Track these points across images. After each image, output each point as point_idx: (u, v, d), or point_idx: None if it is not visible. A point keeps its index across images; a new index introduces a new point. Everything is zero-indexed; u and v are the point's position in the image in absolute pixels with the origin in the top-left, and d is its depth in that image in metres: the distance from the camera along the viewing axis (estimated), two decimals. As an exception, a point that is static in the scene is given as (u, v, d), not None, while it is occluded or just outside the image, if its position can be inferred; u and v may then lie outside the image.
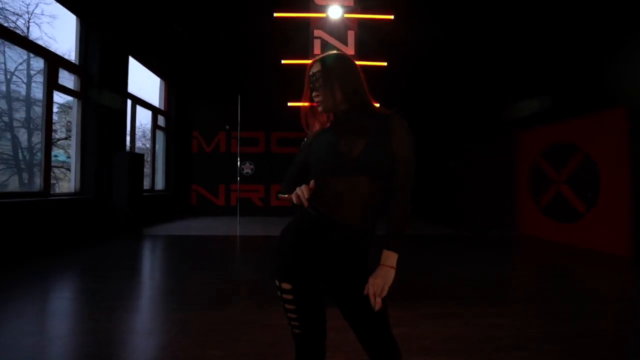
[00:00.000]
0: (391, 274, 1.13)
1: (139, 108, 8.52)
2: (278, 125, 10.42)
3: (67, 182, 10.58)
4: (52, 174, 6.04)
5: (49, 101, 5.72)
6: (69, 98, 6.56)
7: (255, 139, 10.65)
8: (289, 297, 1.14)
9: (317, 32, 3.06)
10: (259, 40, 7.93)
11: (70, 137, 7.46)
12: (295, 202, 1.12)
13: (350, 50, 3.08)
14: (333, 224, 1.15)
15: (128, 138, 8.00)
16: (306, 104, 1.37)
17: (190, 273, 4.07)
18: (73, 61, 6.34)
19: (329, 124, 1.31)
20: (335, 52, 1.32)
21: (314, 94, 1.29)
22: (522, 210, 7.42)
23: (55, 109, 5.86)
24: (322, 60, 1.28)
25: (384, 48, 3.34)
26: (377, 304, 1.10)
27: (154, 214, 8.61)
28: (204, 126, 10.71)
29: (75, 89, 6.34)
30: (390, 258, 1.14)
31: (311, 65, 1.32)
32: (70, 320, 2.76)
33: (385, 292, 1.11)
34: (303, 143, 1.37)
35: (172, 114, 10.19)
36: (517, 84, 7.19)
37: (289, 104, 3.33)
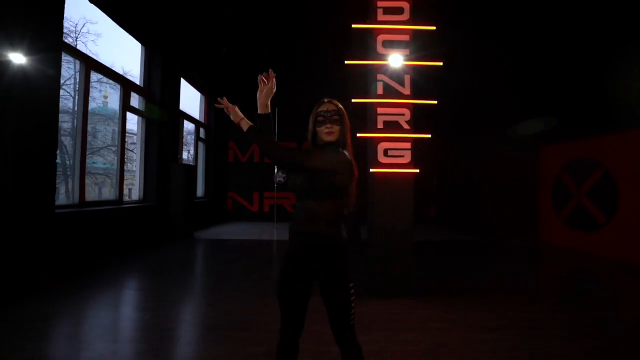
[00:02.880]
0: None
1: (185, 122, 9.36)
2: (309, 136, 11.12)
3: (108, 188, 11.50)
4: (88, 180, 6.86)
5: (123, 120, 6.57)
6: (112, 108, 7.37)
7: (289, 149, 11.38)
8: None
9: (379, 76, 3.74)
10: (293, 55, 8.68)
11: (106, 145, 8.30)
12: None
13: (406, 91, 3.74)
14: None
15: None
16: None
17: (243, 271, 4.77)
18: (139, 84, 7.19)
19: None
20: (341, 106, 1.69)
21: (328, 125, 1.60)
22: (544, 220, 7.90)
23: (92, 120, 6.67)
24: (337, 106, 1.64)
25: (434, 88, 4.00)
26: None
27: (196, 219, 9.40)
28: (240, 137, 11.51)
29: (141, 109, 7.19)
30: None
31: (322, 105, 1.66)
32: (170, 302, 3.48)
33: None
34: (311, 152, 1.63)
35: (212, 126, 11.03)
36: (542, 102, 7.70)
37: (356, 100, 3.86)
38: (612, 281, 4.70)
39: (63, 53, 4.72)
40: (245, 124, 1.62)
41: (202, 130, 10.67)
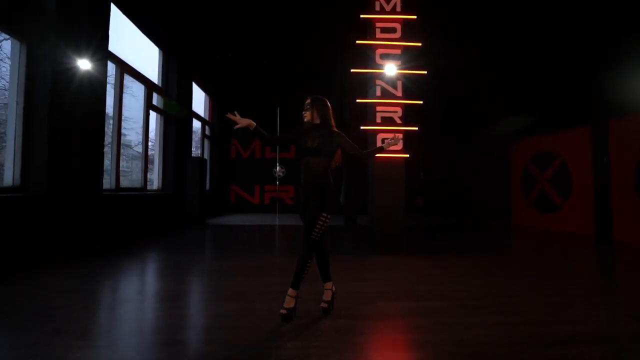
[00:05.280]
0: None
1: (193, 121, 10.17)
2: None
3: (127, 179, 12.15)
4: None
5: (147, 118, 7.38)
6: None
7: (287, 146, 12.31)
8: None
9: (378, 82, 4.74)
10: (293, 61, 9.63)
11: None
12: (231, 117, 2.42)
13: (398, 93, 4.76)
14: (309, 182, 2.43)
15: (189, 145, 9.62)
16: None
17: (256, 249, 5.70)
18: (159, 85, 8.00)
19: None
20: (320, 96, 2.57)
21: (304, 113, 2.52)
22: (515, 204, 9.09)
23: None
24: (312, 98, 2.53)
25: (420, 91, 5.04)
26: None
27: (207, 208, 10.23)
28: (242, 135, 12.37)
29: (160, 107, 8.00)
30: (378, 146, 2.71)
31: (306, 100, 2.56)
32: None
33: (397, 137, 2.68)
34: (296, 130, 2.53)
35: (216, 124, 11.86)
36: (511, 104, 8.88)
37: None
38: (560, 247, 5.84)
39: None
40: (251, 125, 2.37)
41: (207, 128, 11.48)
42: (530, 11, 6.53)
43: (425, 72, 4.71)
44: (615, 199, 6.29)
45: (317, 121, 2.49)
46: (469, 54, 7.58)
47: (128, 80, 6.95)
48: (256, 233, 7.42)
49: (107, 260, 4.08)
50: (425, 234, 7.27)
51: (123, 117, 7.35)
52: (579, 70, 7.03)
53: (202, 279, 3.47)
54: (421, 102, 4.76)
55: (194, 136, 12.34)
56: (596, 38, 6.50)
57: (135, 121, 7.47)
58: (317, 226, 2.33)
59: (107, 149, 5.73)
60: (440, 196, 11.02)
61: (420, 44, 4.75)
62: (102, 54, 5.03)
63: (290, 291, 2.32)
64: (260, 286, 3.09)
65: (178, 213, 8.16)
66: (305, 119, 2.50)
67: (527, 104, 8.40)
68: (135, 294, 2.97)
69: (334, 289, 2.55)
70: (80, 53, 4.57)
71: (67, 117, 4.45)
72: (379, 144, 4.66)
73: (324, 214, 2.34)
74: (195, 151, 10.69)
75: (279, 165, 12.30)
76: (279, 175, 12.34)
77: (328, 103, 2.55)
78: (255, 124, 2.41)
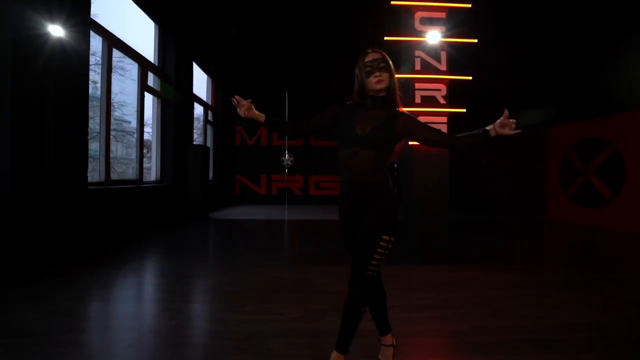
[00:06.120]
0: (497, 132, 1.48)
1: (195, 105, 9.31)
2: (317, 120, 11.18)
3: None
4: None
5: (141, 101, 6.54)
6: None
7: (320, 134, 11.42)
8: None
9: (417, 52, 3.85)
10: (305, 41, 8.64)
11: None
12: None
13: (443, 67, 3.86)
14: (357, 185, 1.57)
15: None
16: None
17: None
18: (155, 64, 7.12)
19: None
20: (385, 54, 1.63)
21: (376, 74, 1.56)
22: (552, 197, 8.21)
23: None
24: (382, 54, 1.60)
25: (469, 64, 4.13)
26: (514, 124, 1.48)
27: (210, 200, 9.48)
28: (247, 120, 11.42)
29: (157, 88, 7.14)
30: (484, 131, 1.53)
31: (367, 55, 1.61)
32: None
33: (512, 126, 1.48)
34: (337, 107, 1.69)
35: (219, 109, 10.98)
36: (555, 84, 7.87)
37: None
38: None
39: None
40: (261, 117, 1.67)
41: (210, 113, 10.62)
42: None
43: (476, 41, 3.80)
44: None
45: (383, 93, 1.60)
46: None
47: (121, 58, 6.12)
48: (264, 231, 6.66)
49: (90, 273, 3.33)
50: (457, 232, 6.45)
51: (120, 102, 6.53)
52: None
53: (204, 308, 2.71)
54: (470, 78, 3.87)
55: (195, 122, 11.49)
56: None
57: (132, 106, 6.66)
58: (376, 257, 1.49)
59: (91, 136, 4.95)
60: (466, 188, 10.13)
61: (469, 5, 3.82)
62: (81, 18, 4.17)
63: (335, 356, 1.51)
64: (281, 321, 2.31)
65: (179, 206, 7.41)
66: (380, 86, 1.56)
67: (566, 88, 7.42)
68: (125, 332, 2.22)
69: (394, 342, 1.71)
70: (53, 17, 3.72)
71: (36, 96, 3.63)
72: (418, 129, 3.80)
73: (385, 237, 1.50)
74: (197, 139, 9.88)
75: (287, 153, 11.46)
76: (288, 164, 11.52)
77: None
78: (263, 115, 1.68)
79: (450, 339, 2.08)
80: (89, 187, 4.72)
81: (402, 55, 3.91)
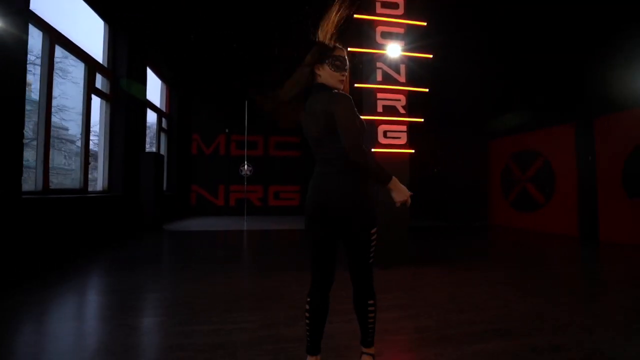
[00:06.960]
0: (398, 187, 1.53)
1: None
2: (277, 130, 11.13)
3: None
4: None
5: (88, 104, 6.04)
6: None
7: (255, 142, 11.26)
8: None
9: (379, 64, 4.03)
10: (266, 49, 8.64)
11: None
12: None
13: (402, 79, 4.09)
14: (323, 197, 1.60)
15: (142, 139, 8.29)
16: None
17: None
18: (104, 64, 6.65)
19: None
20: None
21: (344, 73, 1.58)
22: (494, 204, 8.94)
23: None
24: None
25: (426, 77, 4.39)
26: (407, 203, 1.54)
27: (164, 211, 8.92)
28: (204, 129, 11.12)
29: (106, 91, 6.66)
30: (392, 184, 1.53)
31: (339, 50, 1.61)
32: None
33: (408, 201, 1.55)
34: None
35: (174, 116, 10.50)
36: (492, 101, 8.67)
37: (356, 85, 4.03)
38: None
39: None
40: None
41: (164, 120, 10.11)
42: (516, 12, 6.27)
43: (432, 56, 4.09)
44: (602, 199, 6.20)
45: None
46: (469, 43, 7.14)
47: (62, 59, 5.62)
48: (223, 241, 6.41)
49: (19, 300, 2.93)
50: (419, 238, 6.73)
51: (59, 106, 5.98)
52: (565, 68, 6.91)
53: (165, 322, 2.51)
54: (427, 90, 4.14)
55: (148, 130, 10.88)
56: (583, 37, 6.38)
57: (75, 111, 6.11)
58: (372, 246, 1.60)
59: (27, 140, 4.45)
60: (427, 196, 10.66)
61: (425, 23, 4.12)
62: (17, 7, 3.79)
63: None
64: (248, 329, 2.22)
65: (130, 217, 6.87)
66: (340, 85, 1.60)
67: (509, 102, 8.24)
68: None
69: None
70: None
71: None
72: (380, 136, 3.96)
73: (372, 231, 1.60)
74: (150, 147, 9.34)
75: (246, 163, 11.23)
76: (247, 175, 11.27)
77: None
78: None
79: (421, 333, 2.15)
80: (23, 197, 4.22)
81: (364, 66, 4.08)
